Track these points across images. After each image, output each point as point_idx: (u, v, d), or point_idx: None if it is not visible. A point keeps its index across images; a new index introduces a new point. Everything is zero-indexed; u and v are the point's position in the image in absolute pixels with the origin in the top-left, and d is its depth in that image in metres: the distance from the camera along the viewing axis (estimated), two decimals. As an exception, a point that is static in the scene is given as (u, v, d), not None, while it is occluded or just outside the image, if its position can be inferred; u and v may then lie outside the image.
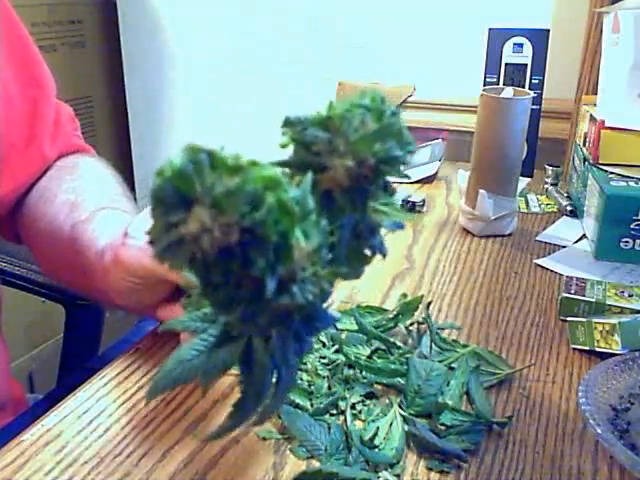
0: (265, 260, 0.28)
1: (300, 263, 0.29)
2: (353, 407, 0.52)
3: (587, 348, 0.61)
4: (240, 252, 0.28)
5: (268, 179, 0.28)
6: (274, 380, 0.37)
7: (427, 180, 1.12)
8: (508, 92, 0.87)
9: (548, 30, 1.04)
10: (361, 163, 0.33)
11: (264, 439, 0.49)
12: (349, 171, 0.33)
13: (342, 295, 0.72)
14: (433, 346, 0.60)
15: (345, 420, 0.50)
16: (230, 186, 0.27)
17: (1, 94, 0.67)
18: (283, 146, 0.34)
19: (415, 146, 0.35)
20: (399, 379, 0.55)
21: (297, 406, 0.52)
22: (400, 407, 0.52)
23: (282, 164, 0.35)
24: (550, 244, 0.87)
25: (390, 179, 0.37)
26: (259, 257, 0.28)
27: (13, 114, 0.69)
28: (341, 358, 0.57)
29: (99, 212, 0.62)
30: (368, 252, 0.37)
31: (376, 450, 0.48)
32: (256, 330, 0.33)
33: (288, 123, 0.34)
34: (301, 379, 0.55)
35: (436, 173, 1.12)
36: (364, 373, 0.56)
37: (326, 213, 0.32)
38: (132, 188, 1.61)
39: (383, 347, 0.60)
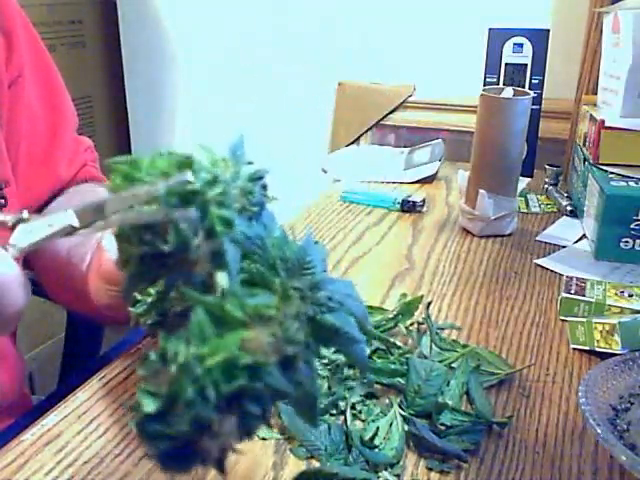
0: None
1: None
2: (353, 407, 0.52)
3: (587, 348, 0.61)
4: None
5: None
6: None
7: (427, 180, 1.12)
8: (508, 92, 0.87)
9: (548, 30, 1.04)
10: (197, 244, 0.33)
11: (264, 439, 0.49)
12: (197, 257, 0.33)
13: (342, 295, 0.71)
14: (433, 346, 0.60)
15: (345, 420, 0.50)
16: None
17: (26, 109, 0.69)
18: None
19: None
20: (399, 379, 0.55)
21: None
22: (400, 407, 0.52)
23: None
24: (550, 244, 0.87)
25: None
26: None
27: (35, 130, 0.71)
28: (341, 358, 0.57)
29: (92, 234, 0.63)
30: (261, 200, 0.37)
31: (376, 450, 0.48)
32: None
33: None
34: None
35: (436, 173, 1.12)
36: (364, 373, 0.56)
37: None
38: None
39: (383, 347, 0.60)
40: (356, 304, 0.36)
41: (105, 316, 0.61)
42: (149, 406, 0.29)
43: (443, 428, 0.50)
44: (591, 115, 0.92)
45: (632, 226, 0.78)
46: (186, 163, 0.34)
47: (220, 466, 0.31)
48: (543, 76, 1.04)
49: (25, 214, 0.34)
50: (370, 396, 0.54)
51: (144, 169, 0.34)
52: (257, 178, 0.36)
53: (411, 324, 0.64)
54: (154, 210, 0.33)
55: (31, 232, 0.34)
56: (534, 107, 0.96)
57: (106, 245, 0.53)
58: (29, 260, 0.72)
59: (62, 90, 0.75)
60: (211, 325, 0.30)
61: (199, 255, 0.33)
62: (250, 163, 0.37)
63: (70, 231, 0.34)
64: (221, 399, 0.29)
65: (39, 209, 0.72)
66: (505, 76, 1.06)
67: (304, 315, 0.33)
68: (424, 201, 0.99)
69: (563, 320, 0.67)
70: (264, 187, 0.37)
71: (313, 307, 0.34)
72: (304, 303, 0.33)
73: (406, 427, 0.50)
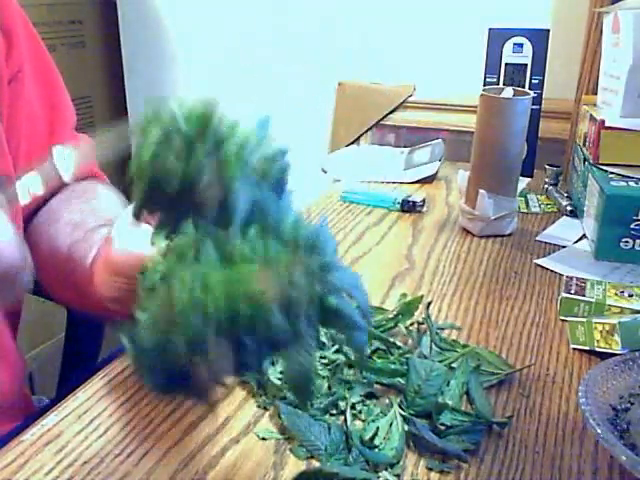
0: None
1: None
2: (353, 407, 0.52)
3: (587, 348, 0.61)
4: None
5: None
6: None
7: (427, 180, 1.12)
8: (508, 92, 0.87)
9: (548, 30, 1.04)
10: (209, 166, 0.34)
11: (264, 439, 0.50)
12: (209, 183, 0.34)
13: (342, 295, 0.71)
14: (433, 346, 0.60)
15: (345, 420, 0.50)
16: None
17: (26, 105, 0.69)
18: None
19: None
20: (399, 379, 0.55)
21: (297, 406, 0.52)
22: (400, 407, 0.52)
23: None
24: (550, 244, 0.87)
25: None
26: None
27: (35, 127, 0.71)
28: (341, 358, 0.57)
29: (97, 229, 0.64)
30: (279, 176, 0.37)
31: (376, 450, 0.48)
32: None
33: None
34: (301, 379, 0.55)
35: (436, 173, 1.12)
36: (364, 373, 0.56)
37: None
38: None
39: (383, 347, 0.60)
40: (361, 295, 0.37)
41: (107, 312, 0.60)
42: (142, 316, 0.30)
43: (443, 428, 0.50)
44: (591, 115, 0.92)
45: (632, 226, 0.78)
46: (211, 107, 0.35)
47: (205, 393, 0.30)
48: (543, 76, 1.04)
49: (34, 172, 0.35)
50: (370, 396, 0.54)
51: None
52: (279, 153, 0.37)
53: (411, 324, 0.64)
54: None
55: (25, 188, 0.34)
56: (534, 107, 0.96)
57: (114, 236, 0.53)
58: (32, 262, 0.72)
59: (61, 88, 0.75)
60: (219, 258, 0.30)
61: (210, 183, 0.33)
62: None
63: (60, 182, 0.35)
64: (218, 322, 0.29)
65: (39, 206, 0.72)
66: (505, 76, 1.06)
67: (311, 285, 0.33)
68: (424, 201, 0.99)
69: (563, 320, 0.67)
70: (284, 168, 0.37)
71: (320, 286, 0.34)
72: (312, 280, 0.34)
73: (406, 427, 0.50)
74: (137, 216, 0.36)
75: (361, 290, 0.37)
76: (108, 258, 0.53)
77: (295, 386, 0.35)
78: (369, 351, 0.59)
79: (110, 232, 0.58)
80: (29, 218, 0.71)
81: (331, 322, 0.35)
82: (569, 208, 0.96)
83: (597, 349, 0.60)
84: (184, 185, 0.34)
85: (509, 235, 0.90)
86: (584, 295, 0.66)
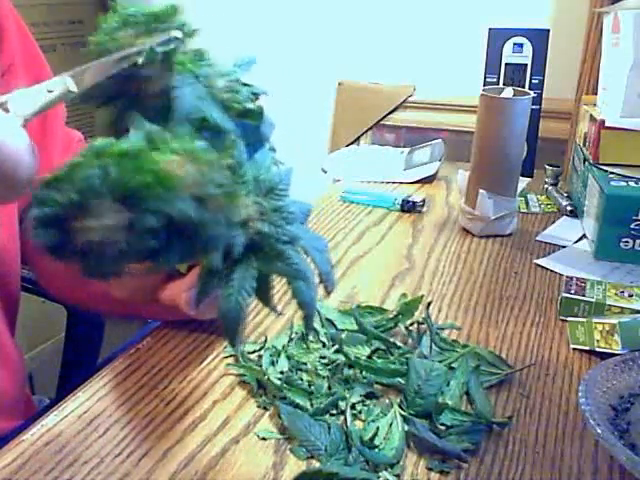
0: (161, 200, 0.29)
1: (187, 173, 0.30)
2: (353, 407, 0.52)
3: (587, 348, 0.61)
4: (141, 213, 0.29)
5: (98, 150, 0.29)
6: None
7: (427, 180, 1.12)
8: (508, 92, 0.87)
9: (548, 30, 1.04)
10: (149, 57, 0.34)
11: (264, 439, 0.50)
12: (155, 75, 0.35)
13: (342, 295, 0.72)
14: (433, 346, 0.60)
15: (345, 420, 0.50)
16: (78, 184, 0.29)
17: None
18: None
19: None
20: (399, 379, 0.55)
21: (297, 406, 0.52)
22: (400, 407, 0.52)
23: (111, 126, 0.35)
24: (550, 244, 0.87)
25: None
26: (155, 202, 0.29)
27: (29, 128, 0.70)
28: (341, 358, 0.57)
29: None
30: (246, 105, 0.37)
31: (376, 450, 0.48)
32: (226, 241, 0.33)
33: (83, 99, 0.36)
34: (301, 379, 0.55)
35: (436, 173, 1.12)
36: (364, 373, 0.56)
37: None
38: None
39: (383, 347, 0.60)
40: (321, 256, 0.37)
41: (107, 307, 0.60)
42: (50, 175, 0.29)
43: (443, 428, 0.50)
44: (591, 115, 0.92)
45: (632, 226, 0.78)
46: (176, 10, 0.36)
47: (96, 263, 0.29)
48: (543, 76, 1.04)
49: (20, 90, 0.35)
50: (370, 396, 0.54)
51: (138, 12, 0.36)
52: (251, 87, 0.37)
53: (411, 324, 0.64)
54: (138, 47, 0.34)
55: (30, 99, 0.34)
56: (534, 107, 0.96)
57: None
58: (29, 257, 0.72)
59: (49, 77, 0.75)
60: (145, 146, 0.30)
61: (149, 75, 0.34)
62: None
63: (68, 96, 0.35)
64: (118, 188, 0.28)
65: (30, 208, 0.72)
66: (505, 76, 1.06)
67: (255, 219, 0.33)
68: (424, 201, 0.99)
69: (563, 320, 0.67)
70: (257, 107, 0.37)
71: (268, 225, 0.34)
72: (261, 218, 0.34)
73: (406, 427, 0.50)
74: (85, 102, 0.36)
75: (322, 253, 0.37)
76: None
77: (225, 325, 0.35)
78: (369, 351, 0.59)
79: None
80: (25, 212, 0.71)
81: (277, 268, 0.35)
82: (569, 208, 0.96)
83: (597, 349, 0.60)
84: (129, 71, 0.34)
85: (509, 235, 0.90)
86: (584, 295, 0.66)
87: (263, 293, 0.36)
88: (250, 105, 0.37)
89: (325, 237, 0.88)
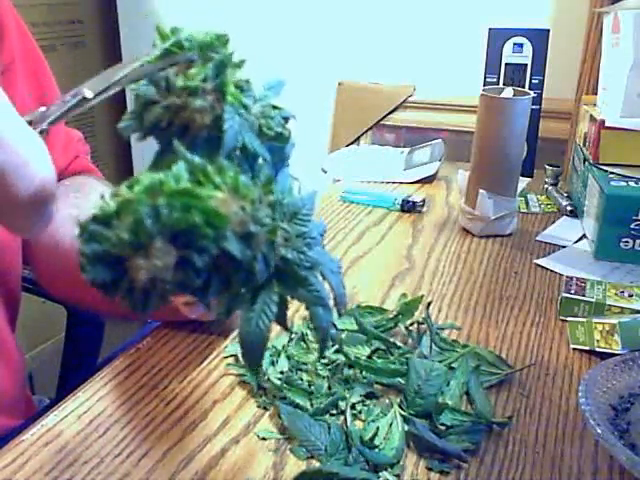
0: (208, 240, 0.29)
1: (232, 211, 0.30)
2: (353, 407, 0.52)
3: (587, 348, 0.61)
4: (189, 253, 0.29)
5: (149, 188, 0.29)
6: None
7: (427, 180, 1.12)
8: (508, 92, 0.87)
9: (548, 30, 1.04)
10: (199, 90, 0.34)
11: (264, 439, 0.50)
12: (203, 107, 0.34)
13: (342, 295, 0.71)
14: (433, 346, 0.60)
15: (345, 420, 0.50)
16: (129, 225, 0.29)
17: (18, 103, 0.69)
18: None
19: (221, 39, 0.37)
20: (399, 379, 0.55)
21: (297, 406, 0.52)
22: (400, 407, 0.52)
23: (158, 157, 0.35)
24: (550, 244, 0.87)
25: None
26: (203, 243, 0.29)
27: None
28: (341, 358, 0.57)
29: None
30: (278, 130, 0.38)
31: (376, 450, 0.48)
32: (261, 278, 0.33)
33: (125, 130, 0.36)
34: (301, 379, 0.55)
35: (436, 173, 1.12)
36: (364, 373, 0.56)
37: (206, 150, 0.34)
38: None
39: (383, 347, 0.60)
40: (336, 280, 0.37)
41: (107, 307, 0.60)
42: (99, 210, 0.29)
43: (443, 428, 0.50)
44: (591, 115, 0.92)
45: (632, 226, 0.78)
46: (223, 37, 0.36)
47: (142, 300, 0.30)
48: (543, 76, 1.04)
49: (42, 108, 0.35)
50: (370, 396, 0.54)
51: (184, 37, 0.35)
52: (282, 111, 0.38)
53: (411, 324, 0.64)
54: (160, 61, 0.34)
55: (47, 113, 0.35)
56: (534, 107, 0.96)
57: None
58: (29, 256, 0.72)
59: (51, 82, 0.75)
60: (188, 180, 0.30)
61: (203, 106, 0.34)
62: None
63: (84, 103, 0.35)
64: (168, 228, 0.29)
65: None
66: (505, 76, 1.06)
67: (279, 245, 0.33)
68: (424, 201, 0.99)
69: (563, 320, 0.67)
70: (286, 135, 0.38)
71: (292, 252, 0.34)
72: (285, 244, 0.34)
73: (406, 427, 0.50)
74: (125, 132, 0.36)
75: (337, 275, 0.38)
76: None
77: (245, 348, 0.35)
78: (369, 351, 0.59)
79: None
80: None
81: (295, 289, 0.35)
82: (569, 208, 0.96)
83: (597, 349, 0.60)
84: (175, 105, 0.34)
85: (509, 235, 0.90)
86: (584, 295, 0.66)
87: (281, 316, 0.37)
88: (281, 129, 0.38)
89: (325, 236, 0.88)
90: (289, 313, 0.37)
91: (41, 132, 0.35)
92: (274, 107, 0.38)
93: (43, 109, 0.35)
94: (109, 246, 0.29)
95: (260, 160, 0.36)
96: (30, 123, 0.35)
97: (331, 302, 0.37)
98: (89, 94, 0.35)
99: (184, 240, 0.29)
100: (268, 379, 0.55)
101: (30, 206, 0.35)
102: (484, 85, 1.06)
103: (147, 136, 0.36)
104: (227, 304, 0.34)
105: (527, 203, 1.02)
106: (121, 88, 0.35)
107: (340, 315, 0.39)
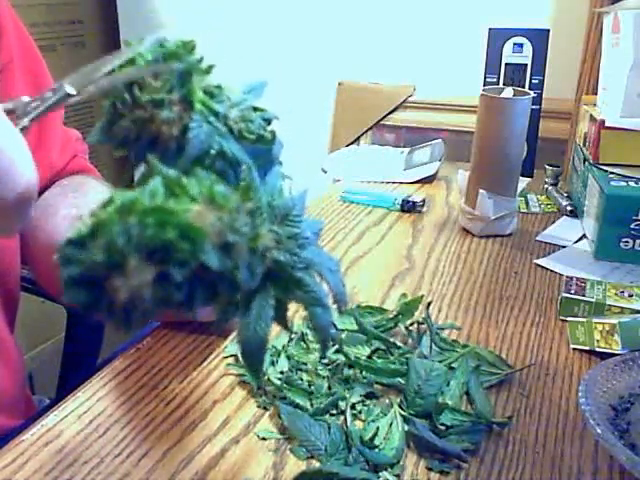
0: (186, 255, 0.29)
1: (209, 222, 0.30)
2: (353, 407, 0.52)
3: (587, 348, 0.61)
4: (167, 269, 0.29)
5: (120, 208, 0.29)
6: None
7: (427, 180, 1.12)
8: (508, 92, 0.87)
9: (548, 30, 1.04)
10: (164, 102, 0.34)
11: (264, 439, 0.50)
12: (169, 118, 0.34)
13: (342, 295, 0.71)
14: (433, 346, 0.60)
15: (345, 420, 0.50)
16: (103, 245, 0.29)
17: (17, 95, 0.69)
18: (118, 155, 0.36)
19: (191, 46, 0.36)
20: (399, 379, 0.55)
21: (297, 406, 0.52)
22: (400, 407, 0.52)
23: (132, 167, 0.36)
24: (550, 244, 0.87)
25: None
26: (181, 257, 0.29)
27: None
28: (341, 358, 0.57)
29: None
30: (260, 131, 0.38)
31: (376, 450, 0.48)
32: (250, 283, 0.33)
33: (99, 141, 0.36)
34: (301, 379, 0.55)
35: (436, 173, 1.12)
36: (364, 373, 0.56)
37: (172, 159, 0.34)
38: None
39: (383, 347, 0.60)
40: (334, 278, 0.37)
41: None
42: (73, 232, 0.29)
43: (443, 428, 0.50)
44: (591, 115, 0.92)
45: (632, 226, 0.78)
46: (189, 44, 0.35)
47: (124, 318, 0.30)
48: (543, 76, 1.04)
49: (25, 98, 0.35)
50: (370, 396, 0.54)
51: (146, 47, 0.35)
52: (263, 113, 0.37)
53: (411, 324, 0.64)
54: (141, 68, 0.34)
55: (30, 109, 0.35)
56: (534, 107, 0.96)
57: None
58: (28, 257, 0.72)
59: (48, 80, 0.75)
60: (164, 194, 0.30)
61: (169, 118, 0.34)
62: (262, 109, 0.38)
63: (66, 99, 0.35)
64: (142, 245, 0.29)
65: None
66: (505, 76, 1.06)
67: (271, 248, 0.33)
68: (424, 201, 0.99)
69: (563, 320, 0.67)
70: (269, 132, 0.37)
71: (285, 254, 0.34)
72: (277, 247, 0.34)
73: (406, 427, 0.50)
74: (97, 141, 0.36)
75: (335, 273, 0.37)
76: None
77: (245, 353, 0.35)
78: (369, 351, 0.59)
79: None
80: None
81: (295, 295, 0.35)
82: (569, 208, 0.96)
83: (597, 349, 0.60)
84: (142, 118, 0.34)
85: (509, 235, 0.90)
86: (584, 295, 0.66)
87: (281, 318, 0.37)
88: (263, 132, 0.37)
89: (325, 236, 0.88)
90: (290, 313, 0.37)
91: (22, 129, 0.35)
92: (255, 109, 0.37)
93: (26, 99, 0.35)
94: (85, 268, 0.29)
95: (246, 167, 0.36)
96: (11, 113, 0.35)
97: (330, 301, 0.37)
98: (71, 90, 0.35)
99: (160, 256, 0.29)
100: (268, 379, 0.55)
101: (15, 207, 0.35)
102: (484, 85, 1.06)
103: (119, 148, 0.36)
104: (220, 313, 0.34)
105: (527, 203, 1.02)
106: (103, 92, 0.35)
107: (341, 313, 0.39)
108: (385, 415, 0.51)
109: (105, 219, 0.29)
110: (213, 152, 0.35)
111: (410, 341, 0.62)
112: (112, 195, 0.30)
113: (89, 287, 0.29)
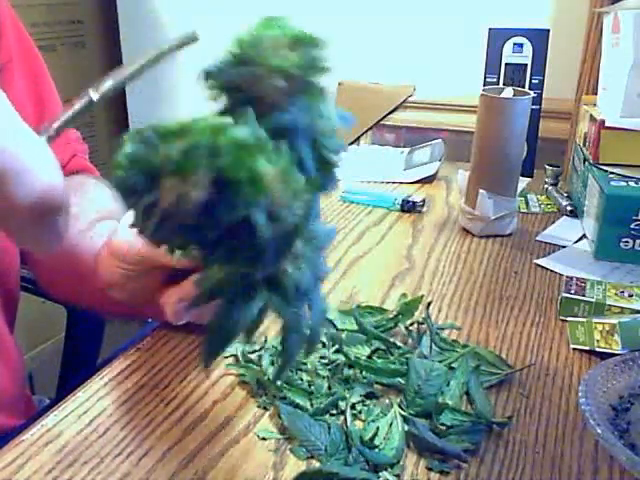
0: (243, 199, 0.29)
1: (275, 189, 0.30)
2: (353, 407, 0.52)
3: (587, 348, 0.61)
4: (220, 200, 0.29)
5: (215, 127, 0.29)
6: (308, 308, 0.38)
7: (427, 180, 1.12)
8: (508, 92, 0.87)
9: (548, 30, 1.04)
10: (288, 77, 0.34)
11: (264, 439, 0.50)
12: (282, 90, 0.34)
13: (342, 295, 0.72)
14: (433, 346, 0.60)
15: (345, 420, 0.50)
16: (184, 147, 0.29)
17: (15, 102, 0.69)
18: (213, 99, 0.35)
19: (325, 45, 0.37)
20: (399, 379, 0.55)
21: (297, 406, 0.52)
22: (400, 407, 0.52)
23: (221, 114, 0.35)
24: (550, 244, 0.87)
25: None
26: (237, 199, 0.29)
27: (24, 118, 0.70)
28: (341, 358, 0.57)
29: (98, 222, 0.64)
30: (331, 155, 0.37)
31: (376, 450, 0.48)
32: (265, 268, 0.33)
33: (209, 75, 0.35)
34: (301, 379, 0.55)
35: (436, 173, 1.12)
36: (364, 373, 0.56)
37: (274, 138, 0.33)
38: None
39: (383, 347, 0.60)
40: (319, 319, 0.37)
41: (106, 307, 0.60)
42: (161, 123, 0.30)
43: (443, 428, 0.50)
44: (591, 115, 0.92)
45: (632, 226, 0.78)
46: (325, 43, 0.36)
47: (155, 223, 0.30)
48: (543, 76, 1.04)
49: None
50: (370, 396, 0.54)
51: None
52: (338, 139, 0.37)
53: (411, 324, 0.64)
54: (165, 46, 0.35)
55: (57, 118, 0.35)
56: (534, 107, 0.96)
57: (122, 222, 0.53)
58: (28, 257, 0.72)
59: (48, 82, 0.75)
60: (252, 141, 0.30)
61: (284, 87, 0.34)
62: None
63: (91, 106, 0.35)
64: (214, 168, 0.29)
65: None
66: (505, 76, 1.06)
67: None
68: (424, 201, 0.99)
69: (563, 320, 0.67)
70: (336, 165, 0.37)
71: (295, 270, 0.35)
72: (294, 259, 0.34)
73: (406, 427, 0.50)
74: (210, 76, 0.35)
75: (322, 314, 0.38)
76: (114, 244, 0.53)
77: (209, 338, 0.35)
78: (369, 351, 0.59)
79: (115, 227, 0.58)
80: None
81: (285, 312, 0.36)
82: (569, 208, 0.96)
83: (597, 349, 0.60)
84: (260, 72, 0.34)
85: (509, 235, 0.90)
86: (584, 295, 0.66)
87: (255, 327, 0.37)
88: (333, 157, 0.36)
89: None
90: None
91: (48, 139, 0.34)
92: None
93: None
94: (155, 156, 0.29)
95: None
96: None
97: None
98: (95, 96, 0.35)
99: (221, 187, 0.29)
100: (268, 379, 0.54)
101: (30, 215, 0.34)
102: (484, 85, 1.06)
103: (222, 92, 0.35)
104: (212, 285, 0.34)
105: (527, 203, 1.02)
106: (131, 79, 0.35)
107: (308, 353, 0.39)
108: (385, 415, 0.51)
109: (198, 128, 0.29)
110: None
111: (410, 341, 0.62)
112: (204, 114, 0.30)
113: (145, 174, 0.29)
